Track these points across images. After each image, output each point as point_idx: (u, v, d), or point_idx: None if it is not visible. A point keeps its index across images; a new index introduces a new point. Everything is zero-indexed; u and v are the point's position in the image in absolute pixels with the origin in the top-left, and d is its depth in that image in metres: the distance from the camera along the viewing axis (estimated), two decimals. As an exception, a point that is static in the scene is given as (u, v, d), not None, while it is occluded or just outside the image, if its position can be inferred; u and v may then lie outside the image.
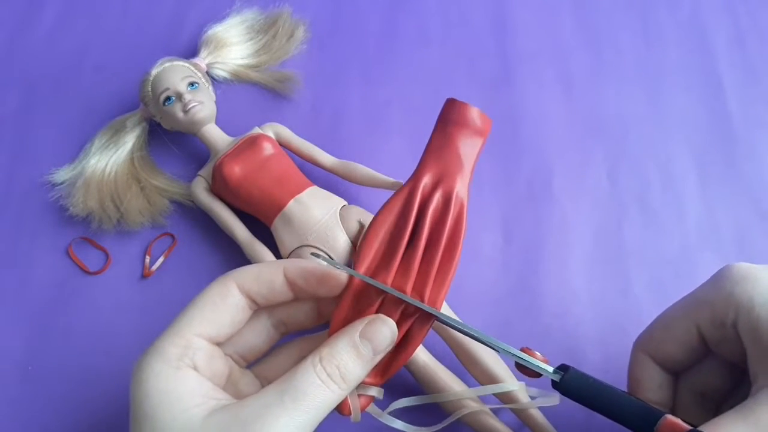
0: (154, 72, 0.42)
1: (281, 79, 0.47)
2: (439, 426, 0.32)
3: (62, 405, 0.37)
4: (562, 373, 0.28)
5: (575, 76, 0.48)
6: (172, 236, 0.42)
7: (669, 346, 0.30)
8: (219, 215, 0.40)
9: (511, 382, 0.34)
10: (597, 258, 0.41)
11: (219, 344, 0.28)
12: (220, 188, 0.40)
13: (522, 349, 0.28)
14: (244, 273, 0.28)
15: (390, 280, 0.28)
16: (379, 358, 0.27)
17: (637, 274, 0.40)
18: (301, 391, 0.24)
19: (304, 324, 0.30)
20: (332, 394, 0.25)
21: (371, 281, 0.28)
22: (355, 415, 0.28)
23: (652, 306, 0.39)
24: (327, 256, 0.28)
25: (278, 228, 0.38)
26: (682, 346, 0.29)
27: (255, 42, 0.48)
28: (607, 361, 0.38)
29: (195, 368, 0.26)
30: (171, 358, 0.26)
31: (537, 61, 0.48)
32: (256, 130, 0.42)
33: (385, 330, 0.27)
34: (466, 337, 0.35)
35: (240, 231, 0.39)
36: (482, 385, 0.35)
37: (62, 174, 0.43)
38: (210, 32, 0.47)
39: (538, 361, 0.28)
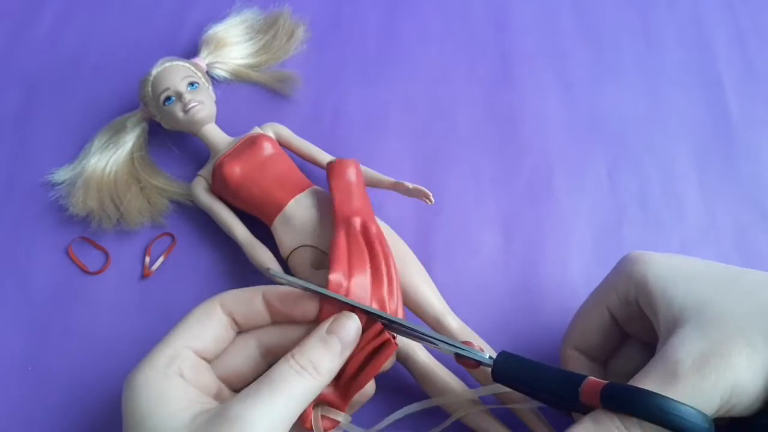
0: (154, 72, 0.42)
1: (281, 79, 0.47)
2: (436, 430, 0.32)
3: (62, 405, 0.37)
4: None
5: (575, 76, 0.48)
6: (172, 236, 0.42)
7: (589, 335, 0.32)
8: (219, 215, 0.40)
9: None
10: (597, 258, 0.41)
11: (207, 360, 0.30)
12: (220, 188, 0.40)
13: (463, 342, 0.30)
14: (227, 294, 0.30)
15: (367, 290, 0.33)
16: (347, 351, 0.29)
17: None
18: (277, 381, 0.26)
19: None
20: (307, 382, 0.27)
21: (344, 299, 0.30)
22: (316, 430, 0.29)
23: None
24: (302, 283, 0.30)
25: (278, 228, 0.38)
26: (601, 332, 0.32)
27: (255, 42, 0.48)
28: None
29: (181, 375, 0.28)
30: (159, 366, 0.28)
31: (537, 61, 0.48)
32: (256, 130, 0.42)
33: (349, 324, 0.29)
34: (467, 340, 0.35)
35: (240, 231, 0.39)
36: (483, 385, 0.35)
37: (62, 174, 0.43)
38: (210, 32, 0.47)
39: (474, 350, 0.30)
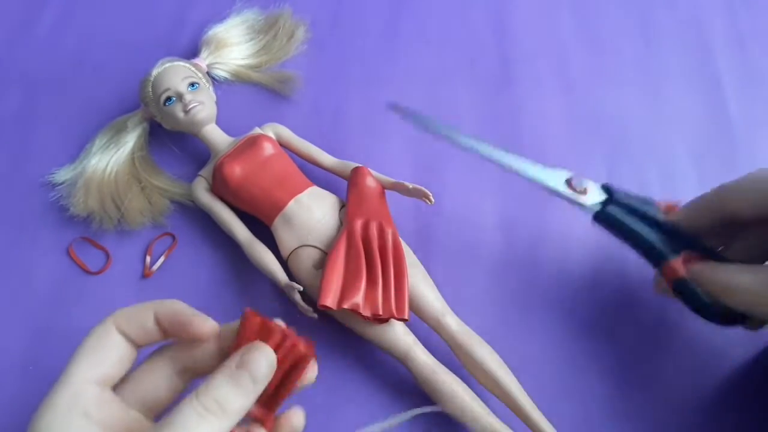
0: (154, 72, 0.42)
1: (282, 80, 0.47)
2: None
3: (62, 405, 0.37)
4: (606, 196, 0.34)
5: (575, 76, 0.48)
6: (173, 236, 0.42)
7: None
8: (219, 215, 0.40)
9: (515, 387, 0.34)
10: (597, 257, 0.41)
11: (114, 388, 0.28)
12: (220, 188, 0.40)
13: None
14: (119, 313, 0.28)
15: (360, 295, 0.34)
16: (260, 386, 0.26)
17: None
18: (178, 427, 0.24)
19: (211, 367, 0.28)
20: (212, 426, 0.24)
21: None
22: None
23: (654, 304, 0.39)
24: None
25: (278, 228, 0.38)
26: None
27: (255, 42, 0.48)
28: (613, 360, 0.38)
29: (86, 415, 0.26)
30: (61, 409, 0.25)
31: (537, 61, 0.48)
32: (257, 131, 0.42)
33: (261, 358, 0.26)
34: (467, 340, 0.35)
35: (240, 231, 0.39)
36: (483, 384, 0.35)
37: (63, 174, 0.43)
38: (210, 33, 0.47)
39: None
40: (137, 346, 0.28)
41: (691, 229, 0.33)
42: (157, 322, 0.28)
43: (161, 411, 0.28)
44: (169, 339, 0.29)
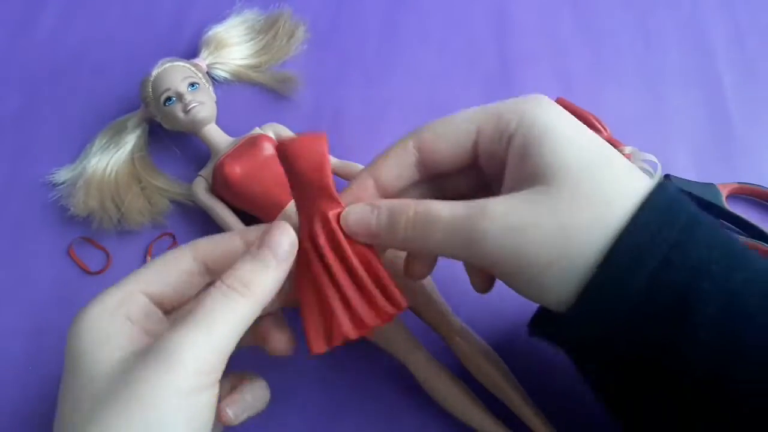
0: (154, 73, 0.42)
1: (281, 80, 0.47)
2: None
3: (63, 405, 0.37)
4: None
5: (575, 76, 0.48)
6: (173, 236, 0.42)
7: (440, 142, 0.28)
8: (219, 215, 0.40)
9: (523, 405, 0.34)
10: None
11: (165, 308, 0.28)
12: (220, 188, 0.40)
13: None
14: (201, 240, 0.28)
15: (344, 321, 0.28)
16: (284, 265, 0.26)
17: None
18: (207, 309, 0.24)
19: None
20: (237, 304, 0.25)
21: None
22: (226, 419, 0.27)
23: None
24: None
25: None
26: (455, 149, 0.28)
27: (255, 42, 0.48)
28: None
29: (129, 318, 0.26)
30: (108, 307, 0.26)
31: (537, 61, 0.48)
32: (257, 131, 0.42)
33: (281, 235, 0.26)
34: (470, 342, 0.35)
35: (241, 231, 0.39)
36: (483, 384, 0.35)
37: (63, 174, 0.43)
38: (210, 33, 0.47)
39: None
40: (211, 275, 0.28)
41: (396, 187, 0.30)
42: (246, 244, 0.28)
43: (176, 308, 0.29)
44: None
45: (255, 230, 0.28)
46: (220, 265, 0.28)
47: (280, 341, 0.29)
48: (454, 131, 0.28)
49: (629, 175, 0.26)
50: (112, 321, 0.26)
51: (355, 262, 0.28)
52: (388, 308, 0.28)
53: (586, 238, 0.24)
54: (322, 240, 0.28)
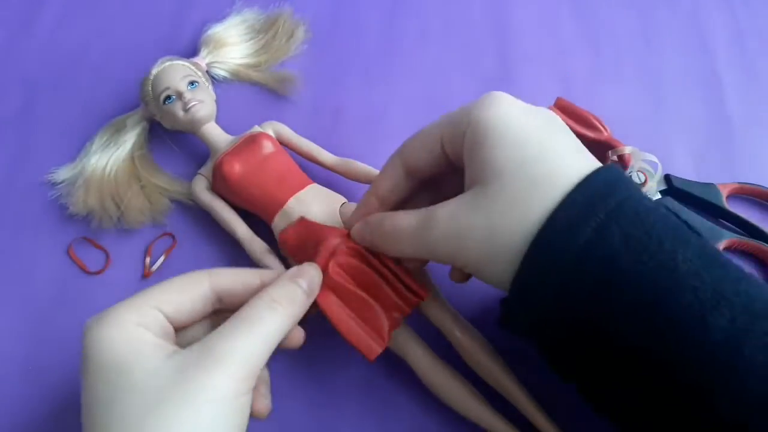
0: (154, 71, 0.42)
1: (281, 79, 0.47)
2: None
3: (62, 405, 0.37)
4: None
5: (575, 76, 0.48)
6: (172, 236, 0.42)
7: (418, 153, 0.31)
8: (219, 214, 0.40)
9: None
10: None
11: (174, 329, 0.29)
12: (220, 186, 0.40)
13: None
14: (222, 270, 0.30)
15: (383, 317, 0.33)
16: (311, 297, 0.30)
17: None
18: (254, 316, 0.27)
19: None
20: (280, 317, 0.28)
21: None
22: None
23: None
24: None
25: (279, 226, 0.38)
26: (428, 155, 0.31)
27: (255, 42, 0.48)
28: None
29: (146, 328, 0.27)
30: (127, 320, 0.27)
31: (537, 61, 0.48)
32: (256, 129, 0.42)
33: (313, 272, 0.31)
34: (469, 336, 0.35)
35: (241, 229, 0.39)
36: (485, 379, 0.35)
37: (62, 173, 0.43)
38: (210, 32, 0.47)
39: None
40: (222, 306, 0.30)
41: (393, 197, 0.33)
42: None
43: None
44: None
45: (273, 273, 0.31)
46: (235, 298, 0.29)
47: (297, 336, 0.31)
48: (426, 143, 0.31)
49: (566, 168, 0.27)
50: (136, 331, 0.26)
51: (376, 269, 0.33)
52: (418, 295, 0.33)
53: (509, 240, 0.26)
54: (344, 258, 0.33)
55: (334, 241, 0.33)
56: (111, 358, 0.25)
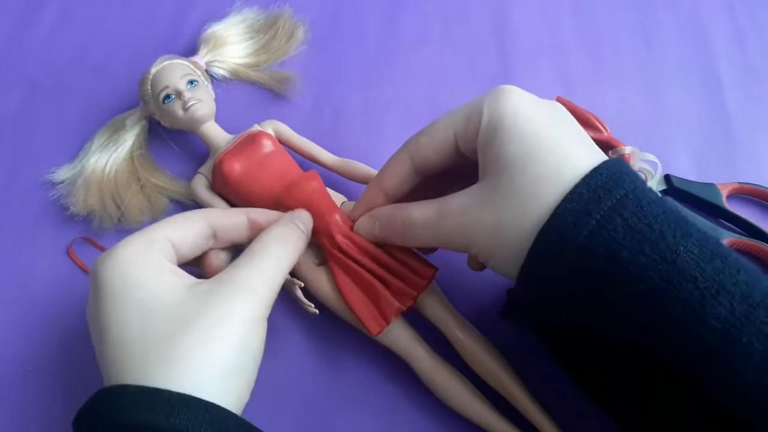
0: (153, 70, 0.42)
1: (280, 79, 0.47)
2: None
3: (62, 405, 0.37)
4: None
5: (575, 76, 0.48)
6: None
7: (428, 149, 0.32)
8: (219, 213, 0.40)
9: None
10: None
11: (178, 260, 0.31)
12: (220, 185, 0.40)
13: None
14: (215, 210, 0.34)
15: (391, 299, 0.34)
16: (307, 235, 0.33)
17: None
18: (264, 249, 0.30)
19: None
20: (286, 248, 0.31)
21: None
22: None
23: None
24: None
25: (278, 226, 0.38)
26: (439, 152, 0.32)
27: (254, 41, 0.48)
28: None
29: (164, 254, 0.29)
30: (144, 245, 0.29)
31: (537, 61, 0.48)
32: (256, 128, 0.42)
33: (305, 215, 0.34)
34: (470, 336, 0.35)
35: (240, 229, 0.39)
36: (484, 379, 0.35)
37: (62, 173, 0.43)
38: (209, 30, 0.47)
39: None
40: (216, 242, 0.32)
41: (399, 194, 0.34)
42: (249, 221, 0.33)
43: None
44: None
45: (258, 211, 0.33)
46: (226, 235, 0.32)
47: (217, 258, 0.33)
48: (437, 138, 0.31)
49: (572, 161, 0.27)
50: (154, 254, 0.28)
51: (377, 253, 0.34)
52: (426, 278, 0.34)
53: (517, 232, 0.27)
54: (346, 246, 0.34)
55: (343, 224, 0.35)
56: (135, 279, 0.27)
